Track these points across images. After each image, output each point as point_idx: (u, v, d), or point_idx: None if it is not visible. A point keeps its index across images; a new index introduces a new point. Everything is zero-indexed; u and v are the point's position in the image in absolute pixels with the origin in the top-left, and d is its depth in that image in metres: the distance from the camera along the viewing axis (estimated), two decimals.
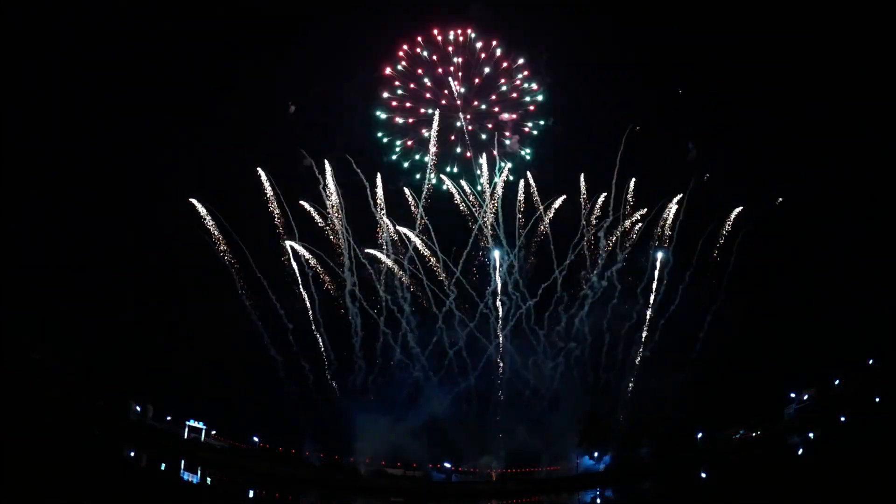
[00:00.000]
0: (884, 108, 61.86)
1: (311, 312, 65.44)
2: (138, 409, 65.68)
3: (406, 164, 68.01)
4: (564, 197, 67.03)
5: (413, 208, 66.76)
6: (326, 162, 65.51)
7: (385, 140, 67.91)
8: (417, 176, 67.72)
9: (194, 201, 63.97)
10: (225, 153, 65.11)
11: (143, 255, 64.91)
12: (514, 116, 67.66)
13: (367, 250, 66.08)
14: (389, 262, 66.45)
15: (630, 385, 66.90)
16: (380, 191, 66.11)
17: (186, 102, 64.62)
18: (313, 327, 65.63)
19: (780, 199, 66.33)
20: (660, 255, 67.00)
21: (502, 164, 67.47)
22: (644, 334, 67.13)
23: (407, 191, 67.01)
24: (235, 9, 64.01)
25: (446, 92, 67.43)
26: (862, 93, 63.29)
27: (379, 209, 66.48)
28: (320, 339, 65.83)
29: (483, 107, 67.72)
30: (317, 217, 65.86)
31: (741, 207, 66.53)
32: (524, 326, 67.24)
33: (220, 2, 64.54)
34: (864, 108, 63.12)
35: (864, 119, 63.41)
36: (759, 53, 65.44)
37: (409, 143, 67.71)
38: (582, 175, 66.97)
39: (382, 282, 66.57)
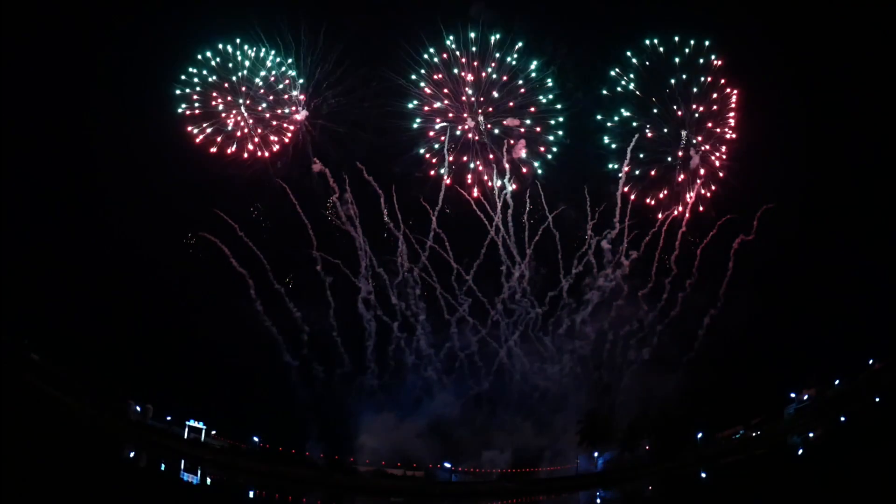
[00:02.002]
0: (884, 110, 61.92)
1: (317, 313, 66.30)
2: (138, 409, 65.73)
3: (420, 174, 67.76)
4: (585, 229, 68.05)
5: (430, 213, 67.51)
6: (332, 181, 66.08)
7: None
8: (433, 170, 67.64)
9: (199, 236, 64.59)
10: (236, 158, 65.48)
11: (149, 257, 65.02)
12: (517, 122, 66.68)
13: (378, 268, 67.34)
14: (403, 271, 67.60)
15: (630, 385, 67.21)
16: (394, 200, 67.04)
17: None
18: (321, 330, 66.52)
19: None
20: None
21: (509, 180, 67.65)
22: (645, 335, 67.80)
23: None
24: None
25: (462, 99, 66.50)
26: (862, 93, 63.34)
27: (391, 220, 67.52)
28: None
29: (490, 109, 66.79)
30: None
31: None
32: (531, 333, 68.63)
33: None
34: (864, 108, 63.18)
35: (863, 120, 63.46)
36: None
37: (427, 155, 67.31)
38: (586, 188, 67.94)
39: (396, 289, 67.60)
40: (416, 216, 67.62)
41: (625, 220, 68.20)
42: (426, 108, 65.55)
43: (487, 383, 67.89)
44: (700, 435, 66.27)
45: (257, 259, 65.70)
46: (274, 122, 65.75)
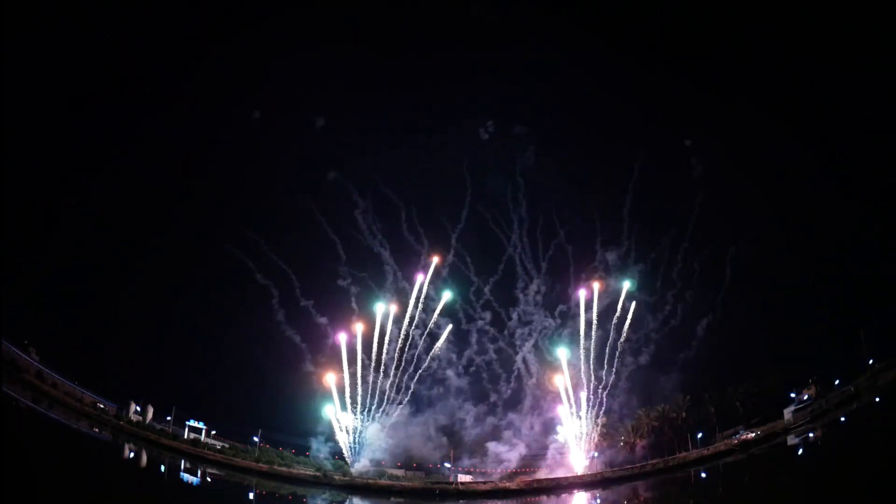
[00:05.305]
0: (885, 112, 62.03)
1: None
2: (138, 409, 65.76)
3: None
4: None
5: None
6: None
7: None
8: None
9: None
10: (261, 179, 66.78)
11: (167, 264, 65.73)
12: None
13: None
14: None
15: (632, 386, 67.49)
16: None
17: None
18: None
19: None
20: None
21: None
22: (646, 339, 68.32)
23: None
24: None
25: None
26: (863, 95, 63.44)
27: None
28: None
29: None
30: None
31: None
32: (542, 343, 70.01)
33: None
34: (865, 109, 63.28)
35: (864, 120, 63.56)
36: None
37: None
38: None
39: (419, 302, 68.90)
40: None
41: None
42: None
43: (506, 388, 69.02)
44: (700, 435, 66.32)
45: (282, 271, 66.96)
46: None
